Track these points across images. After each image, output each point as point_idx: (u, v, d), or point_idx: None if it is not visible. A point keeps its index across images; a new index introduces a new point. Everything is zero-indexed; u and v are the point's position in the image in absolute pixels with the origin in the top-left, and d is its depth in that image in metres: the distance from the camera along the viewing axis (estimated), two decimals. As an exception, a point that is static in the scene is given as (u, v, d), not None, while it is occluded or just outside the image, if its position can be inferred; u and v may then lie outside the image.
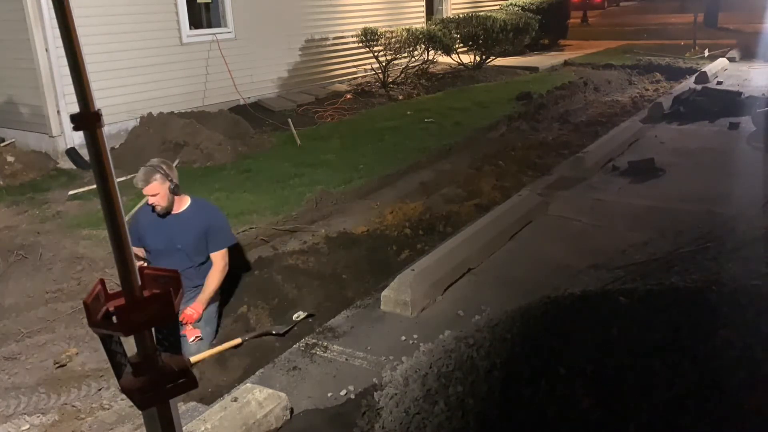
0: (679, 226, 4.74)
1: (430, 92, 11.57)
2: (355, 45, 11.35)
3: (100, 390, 3.35)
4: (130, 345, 1.12)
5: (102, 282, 1.14)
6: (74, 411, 3.19)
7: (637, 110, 9.22)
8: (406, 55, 11.50)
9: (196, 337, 3.69)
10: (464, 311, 3.70)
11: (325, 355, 3.39)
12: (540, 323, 3.28)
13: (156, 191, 3.62)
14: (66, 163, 7.48)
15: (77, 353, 3.70)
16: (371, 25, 11.25)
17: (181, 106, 8.43)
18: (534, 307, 3.47)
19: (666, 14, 24.81)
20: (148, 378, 1.09)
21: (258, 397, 2.76)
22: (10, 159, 7.21)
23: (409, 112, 9.85)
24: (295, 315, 3.89)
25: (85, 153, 7.14)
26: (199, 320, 3.72)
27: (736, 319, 3.02)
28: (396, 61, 11.52)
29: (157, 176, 3.60)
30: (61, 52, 6.13)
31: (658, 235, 4.58)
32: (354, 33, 11.26)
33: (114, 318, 1.07)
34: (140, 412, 1.15)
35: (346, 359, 3.34)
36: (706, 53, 14.02)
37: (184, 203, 3.83)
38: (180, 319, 3.55)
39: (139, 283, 1.08)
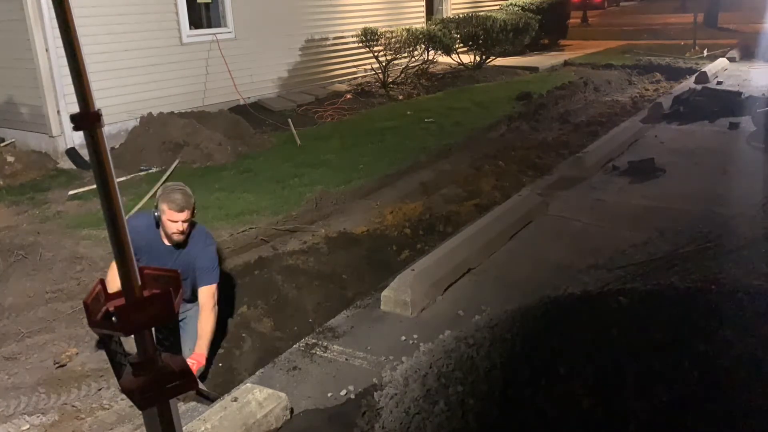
0: (679, 226, 4.75)
1: (430, 92, 11.56)
2: (355, 45, 11.35)
3: (100, 390, 3.34)
4: (130, 345, 1.12)
5: (102, 282, 1.14)
6: (74, 411, 3.18)
7: (637, 110, 9.21)
8: (406, 55, 11.50)
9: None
10: (464, 311, 3.70)
11: (325, 355, 3.39)
12: (540, 323, 3.28)
13: (189, 217, 3.33)
14: (66, 163, 7.47)
15: (77, 353, 3.69)
16: (371, 25, 11.25)
17: (181, 106, 8.42)
18: (534, 307, 3.48)
19: (666, 14, 24.82)
20: (148, 378, 1.09)
21: (258, 397, 2.76)
22: (10, 159, 7.20)
23: (409, 112, 9.85)
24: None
25: (85, 153, 7.14)
26: (202, 367, 3.33)
27: (736, 319, 3.03)
28: (396, 61, 11.52)
29: (193, 202, 3.33)
30: (61, 52, 6.16)
31: (658, 235, 4.58)
32: (354, 33, 11.26)
33: (114, 318, 1.07)
34: (140, 412, 1.15)
35: (346, 359, 3.34)
36: (706, 53, 14.02)
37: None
38: None
39: (139, 283, 1.09)
